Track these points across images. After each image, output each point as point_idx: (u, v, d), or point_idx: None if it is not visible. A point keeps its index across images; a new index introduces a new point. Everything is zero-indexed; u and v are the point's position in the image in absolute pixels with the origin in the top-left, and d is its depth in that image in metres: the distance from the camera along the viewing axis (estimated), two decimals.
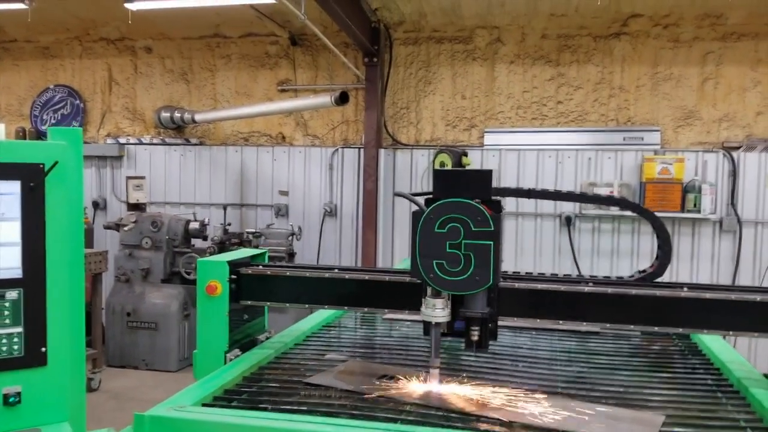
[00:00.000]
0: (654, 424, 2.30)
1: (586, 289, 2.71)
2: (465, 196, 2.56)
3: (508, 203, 7.07)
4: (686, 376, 2.88)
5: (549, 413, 2.39)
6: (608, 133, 6.92)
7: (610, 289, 2.70)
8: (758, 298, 2.56)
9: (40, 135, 8.60)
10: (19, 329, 1.89)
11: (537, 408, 2.44)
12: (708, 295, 2.59)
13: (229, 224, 6.96)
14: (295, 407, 2.38)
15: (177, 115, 7.83)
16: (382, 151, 7.37)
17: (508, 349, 3.30)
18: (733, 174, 6.60)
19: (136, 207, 7.06)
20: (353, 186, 7.51)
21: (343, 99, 6.45)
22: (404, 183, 7.39)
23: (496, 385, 2.72)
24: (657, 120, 6.85)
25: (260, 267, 3.10)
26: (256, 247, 6.65)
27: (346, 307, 3.01)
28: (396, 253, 7.40)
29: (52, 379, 1.94)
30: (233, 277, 2.99)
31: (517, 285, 2.76)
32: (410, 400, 2.49)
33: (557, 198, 3.10)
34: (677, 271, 6.75)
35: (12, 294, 1.87)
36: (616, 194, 6.65)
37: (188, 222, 6.88)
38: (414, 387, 2.64)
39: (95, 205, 8.20)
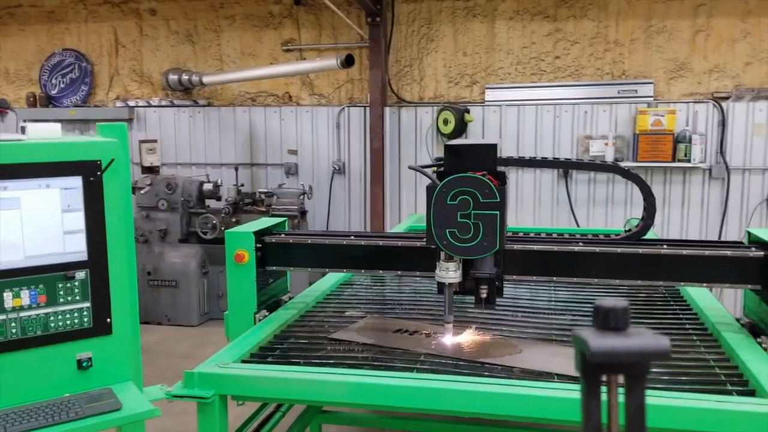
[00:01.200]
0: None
1: (577, 248, 3.02)
2: (473, 169, 2.86)
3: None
4: (667, 320, 3.21)
5: (544, 359, 2.73)
6: (603, 86, 7.13)
7: (598, 248, 3.02)
8: (728, 253, 2.88)
9: (51, 100, 8.81)
10: (88, 304, 2.21)
11: (533, 355, 2.78)
12: (685, 251, 2.91)
13: (242, 185, 7.25)
14: (323, 360, 2.73)
15: (185, 77, 8.03)
16: (387, 109, 7.59)
17: (509, 300, 3.64)
18: (723, 123, 6.85)
19: (150, 170, 7.34)
20: (360, 144, 7.76)
21: (348, 62, 6.64)
22: (410, 140, 7.64)
23: (498, 335, 3.07)
24: (650, 72, 7.05)
25: (282, 235, 3.40)
26: (269, 206, 6.96)
27: (362, 270, 3.32)
28: (403, 208, 7.71)
29: (117, 345, 2.28)
30: (258, 245, 3.31)
31: (515, 247, 3.07)
32: (424, 351, 2.84)
33: (554, 166, 3.39)
34: (669, 217, 7.07)
35: (80, 274, 2.19)
36: (610, 145, 6.92)
37: (202, 183, 7.17)
38: (427, 339, 2.99)
39: None
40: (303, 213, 7.04)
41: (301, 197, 7.03)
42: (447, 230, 2.79)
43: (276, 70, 7.45)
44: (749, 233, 3.18)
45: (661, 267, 2.95)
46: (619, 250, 3.00)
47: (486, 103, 7.41)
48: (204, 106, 8.23)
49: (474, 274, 2.91)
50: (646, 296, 3.66)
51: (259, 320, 3.29)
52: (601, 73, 7.19)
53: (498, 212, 2.75)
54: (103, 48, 8.70)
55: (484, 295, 3.00)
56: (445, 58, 7.56)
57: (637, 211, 7.04)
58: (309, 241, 3.32)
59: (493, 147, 3.00)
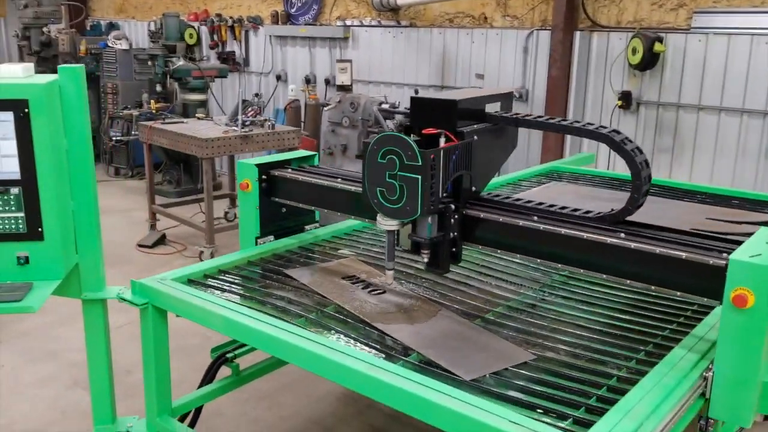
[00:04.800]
0: (509, 361, 2.37)
1: (542, 227, 2.65)
2: (434, 125, 2.73)
3: (710, 96, 6.21)
4: (651, 322, 2.69)
5: (430, 332, 2.58)
6: None
7: (541, 227, 2.64)
8: (683, 255, 2.32)
9: (290, 17, 9.76)
10: (22, 214, 2.73)
11: (424, 327, 2.64)
12: (633, 245, 2.42)
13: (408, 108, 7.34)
14: (243, 293, 2.94)
15: None
16: (577, 34, 6.91)
17: (503, 265, 3.36)
18: None
19: (342, 88, 7.83)
20: (546, 71, 7.23)
21: None
22: (599, 69, 6.89)
23: (429, 300, 2.92)
24: None
25: (289, 171, 3.55)
26: None
27: (339, 213, 3.36)
28: (585, 146, 7.09)
29: (48, 249, 2.77)
30: (264, 177, 3.53)
31: (482, 215, 2.81)
32: (335, 302, 2.86)
33: (546, 128, 2.95)
34: None
35: (14, 190, 2.70)
36: None
37: (381, 104, 7.45)
38: (356, 291, 2.99)
39: (326, 82, 9.23)
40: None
41: None
42: (377, 188, 2.72)
43: None
44: None
45: (605, 257, 2.49)
46: (563, 231, 2.58)
47: (691, 30, 6.29)
48: (406, 26, 8.38)
49: (411, 237, 2.80)
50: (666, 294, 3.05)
51: (260, 244, 3.56)
52: None
53: (419, 176, 2.58)
54: None
55: (425, 259, 2.87)
56: None
57: None
58: (300, 179, 3.44)
59: (452, 103, 2.79)
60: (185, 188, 9.27)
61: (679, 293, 2.38)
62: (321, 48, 9.33)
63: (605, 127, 2.66)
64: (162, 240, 7.20)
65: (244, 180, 3.52)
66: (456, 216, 2.79)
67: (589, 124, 2.73)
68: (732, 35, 6.03)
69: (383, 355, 2.40)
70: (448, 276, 3.20)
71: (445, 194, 2.78)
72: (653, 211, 4.30)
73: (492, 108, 2.98)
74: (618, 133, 2.62)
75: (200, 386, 3.47)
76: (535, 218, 2.70)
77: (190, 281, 3.09)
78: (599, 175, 5.37)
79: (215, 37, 10.56)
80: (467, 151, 2.79)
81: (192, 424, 3.51)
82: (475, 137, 2.80)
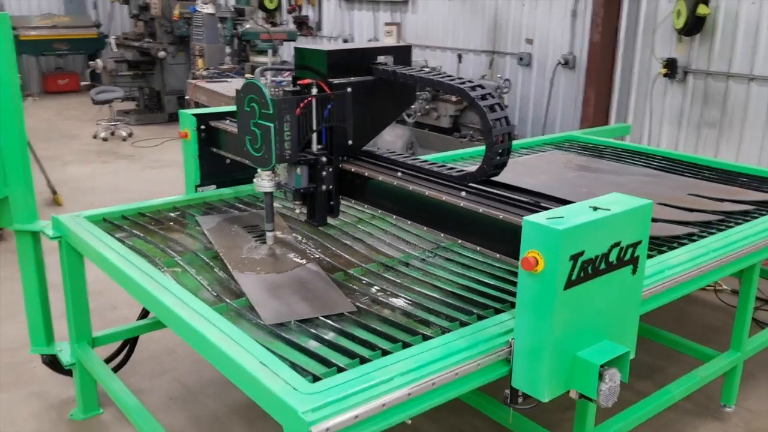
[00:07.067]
0: (327, 310, 2.34)
1: (396, 182, 2.61)
2: (314, 76, 2.75)
3: (763, 65, 5.58)
4: (497, 294, 2.55)
5: (276, 280, 2.60)
6: None
7: (395, 182, 2.58)
8: (501, 216, 2.19)
9: None
10: None
11: (276, 276, 2.65)
12: (462, 203, 2.31)
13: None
14: (143, 235, 3.07)
15: None
16: None
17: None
18: None
19: None
20: None
21: None
22: (647, 35, 6.39)
23: (306, 253, 2.92)
24: None
25: (225, 122, 3.62)
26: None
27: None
28: (630, 115, 6.63)
29: None
30: (202, 127, 3.64)
31: (353, 169, 2.79)
32: (215, 249, 2.93)
33: (417, 82, 2.82)
34: None
35: None
36: None
37: (422, 68, 7.32)
38: (244, 240, 3.04)
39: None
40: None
41: (497, 90, 6.66)
42: (246, 136, 2.75)
43: None
44: None
45: (443, 214, 2.39)
46: (410, 188, 2.49)
47: None
48: None
49: (285, 187, 2.81)
50: None
51: (199, 191, 3.69)
52: None
53: (271, 125, 2.59)
54: None
55: (297, 211, 2.88)
56: None
57: None
58: (230, 130, 3.51)
59: (323, 53, 2.77)
60: None
61: (498, 255, 2.24)
62: (384, 12, 9.29)
63: (471, 81, 2.53)
64: None
65: (184, 129, 3.64)
66: (330, 168, 2.77)
67: (458, 79, 2.61)
68: None
69: (213, 297, 2.45)
70: (351, 232, 3.19)
71: (320, 146, 2.77)
72: (631, 183, 4.05)
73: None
74: (481, 87, 2.49)
75: (138, 320, 3.68)
76: (399, 174, 2.63)
77: (105, 220, 3.26)
78: (614, 146, 5.03)
79: (292, 2, 10.80)
80: (340, 103, 2.74)
81: (127, 357, 3.75)
82: (349, 89, 2.74)
